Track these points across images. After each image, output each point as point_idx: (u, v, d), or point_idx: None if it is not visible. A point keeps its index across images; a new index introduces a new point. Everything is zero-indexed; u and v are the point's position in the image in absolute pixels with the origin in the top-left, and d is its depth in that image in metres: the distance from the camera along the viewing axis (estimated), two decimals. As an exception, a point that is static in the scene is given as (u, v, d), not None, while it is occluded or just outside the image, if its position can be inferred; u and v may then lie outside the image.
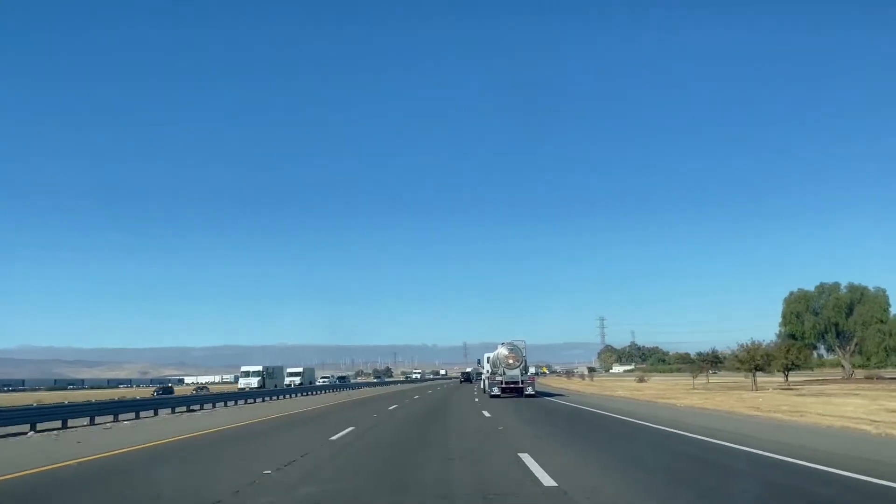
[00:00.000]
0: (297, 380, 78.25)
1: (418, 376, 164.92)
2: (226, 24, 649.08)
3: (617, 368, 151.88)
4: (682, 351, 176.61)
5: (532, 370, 46.96)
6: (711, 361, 55.70)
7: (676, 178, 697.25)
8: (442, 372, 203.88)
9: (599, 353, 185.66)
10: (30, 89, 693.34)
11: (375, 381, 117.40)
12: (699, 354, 56.78)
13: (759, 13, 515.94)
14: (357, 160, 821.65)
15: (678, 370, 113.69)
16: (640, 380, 74.50)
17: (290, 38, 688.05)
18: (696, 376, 56.77)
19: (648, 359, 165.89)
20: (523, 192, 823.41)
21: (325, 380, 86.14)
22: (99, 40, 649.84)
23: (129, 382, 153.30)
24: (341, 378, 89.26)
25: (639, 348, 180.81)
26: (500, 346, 37.44)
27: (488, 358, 40.63)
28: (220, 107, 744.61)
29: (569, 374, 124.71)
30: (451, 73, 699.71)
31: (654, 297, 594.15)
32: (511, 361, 36.31)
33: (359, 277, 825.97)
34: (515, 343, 37.39)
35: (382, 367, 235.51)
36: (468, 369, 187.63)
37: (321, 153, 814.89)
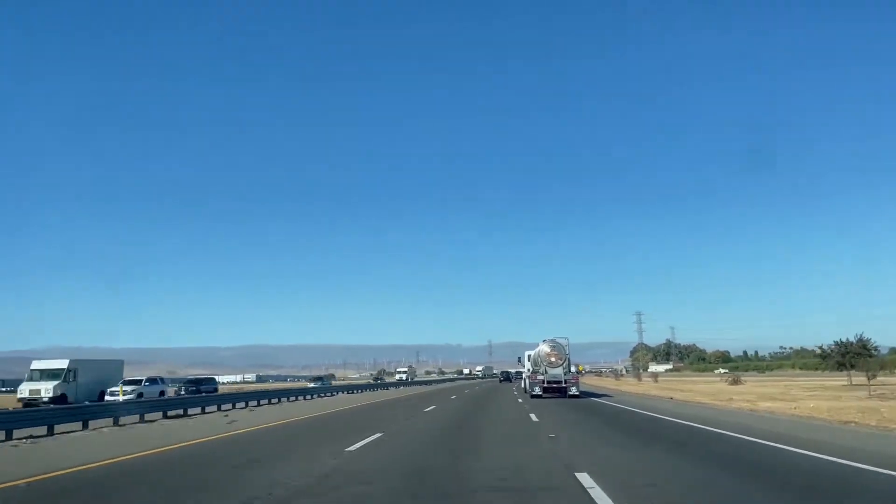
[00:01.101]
0: (49, 389, 35.00)
1: (404, 376, 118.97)
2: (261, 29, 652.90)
3: (654, 367, 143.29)
4: (721, 349, 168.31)
5: (572, 369, 42.91)
6: (857, 354, 39.68)
7: (687, 178, 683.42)
8: (466, 371, 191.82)
9: (632, 352, 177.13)
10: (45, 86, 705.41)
11: (316, 385, 58.11)
12: (838, 344, 40.39)
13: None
14: (383, 162, 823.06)
15: (742, 368, 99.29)
16: (735, 381, 54.23)
17: (320, 43, 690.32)
18: (874, 377, 37.99)
19: (686, 357, 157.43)
20: (545, 193, 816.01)
21: (129, 391, 35.57)
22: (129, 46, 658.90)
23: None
24: (192, 384, 46.74)
25: (675, 346, 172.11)
26: (541, 344, 35.56)
27: (529, 356, 39.10)
28: (252, 108, 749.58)
29: (616, 373, 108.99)
30: (492, 73, 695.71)
31: (678, 295, 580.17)
32: (553, 360, 34.52)
33: (383, 277, 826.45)
34: (558, 340, 35.27)
35: (405, 367, 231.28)
36: (478, 368, 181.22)
37: (346, 155, 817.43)
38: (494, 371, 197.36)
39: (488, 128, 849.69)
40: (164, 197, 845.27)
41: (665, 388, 51.54)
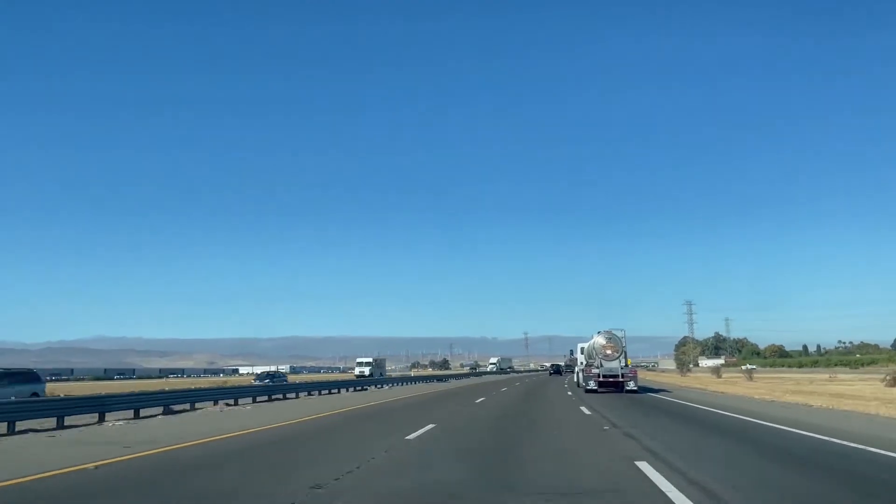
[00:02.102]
0: None
1: (366, 371, 73.92)
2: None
3: (704, 362, 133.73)
4: (776, 343, 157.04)
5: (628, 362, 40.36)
6: None
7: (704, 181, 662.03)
8: (493, 361, 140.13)
9: (678, 345, 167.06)
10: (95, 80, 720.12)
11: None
12: None
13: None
14: (418, 157, 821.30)
15: (813, 364, 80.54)
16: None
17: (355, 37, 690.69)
18: None
19: (738, 352, 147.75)
20: (581, 187, 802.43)
21: None
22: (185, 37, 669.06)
23: (181, 372, 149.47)
24: None
25: (723, 339, 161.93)
26: (595, 336, 34.03)
27: (582, 349, 38.04)
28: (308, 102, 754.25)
29: (682, 367, 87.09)
30: (526, 62, 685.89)
31: (722, 290, 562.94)
32: (609, 352, 32.67)
33: (420, 270, 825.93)
34: (614, 332, 33.46)
35: (439, 360, 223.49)
36: (492, 359, 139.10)
37: (380, 150, 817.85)
38: (514, 364, 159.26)
39: (514, 120, 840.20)
40: (208, 191, 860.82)
41: (789, 390, 34.98)
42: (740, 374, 64.34)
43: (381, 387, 49.04)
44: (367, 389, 43.40)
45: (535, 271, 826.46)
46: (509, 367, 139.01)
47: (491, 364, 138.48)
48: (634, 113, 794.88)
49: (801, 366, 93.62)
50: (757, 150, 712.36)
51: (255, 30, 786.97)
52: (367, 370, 76.35)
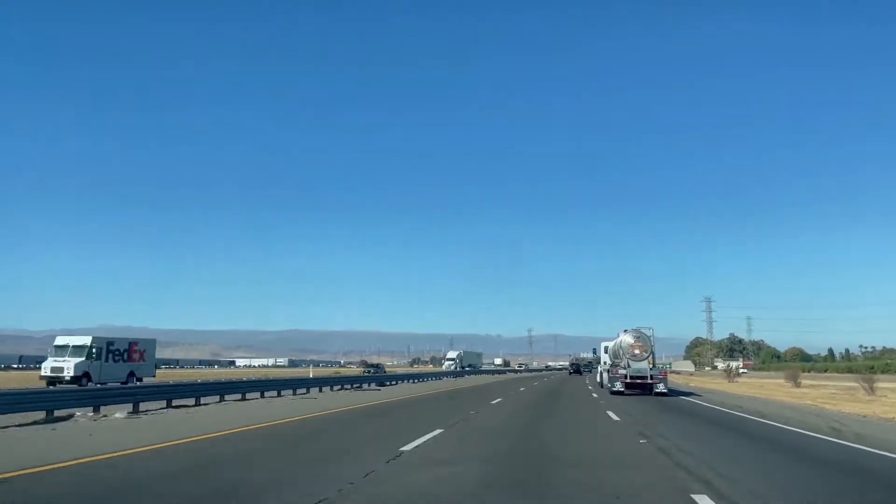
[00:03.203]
0: (71, 368, 33.51)
1: (74, 363, 34.22)
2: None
3: (721, 365, 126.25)
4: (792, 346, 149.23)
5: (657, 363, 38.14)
6: None
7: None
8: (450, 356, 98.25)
9: (689, 347, 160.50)
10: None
11: None
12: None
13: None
14: (425, 152, 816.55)
15: (869, 369, 69.18)
16: None
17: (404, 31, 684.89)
18: None
19: (755, 355, 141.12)
20: (588, 187, 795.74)
21: None
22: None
23: (175, 363, 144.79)
24: None
25: (739, 341, 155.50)
26: (622, 334, 32.88)
27: (606, 348, 37.87)
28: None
29: (730, 371, 63.43)
30: (541, 60, 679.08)
31: (733, 290, 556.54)
32: (637, 352, 31.11)
33: (426, 266, 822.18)
34: (642, 330, 32.16)
35: (441, 356, 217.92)
36: (450, 354, 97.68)
37: (388, 147, 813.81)
38: (498, 361, 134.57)
39: (518, 116, 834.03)
40: (212, 185, 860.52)
41: None
42: (850, 385, 40.90)
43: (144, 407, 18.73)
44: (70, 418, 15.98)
45: (540, 270, 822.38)
46: (470, 366, 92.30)
47: (448, 360, 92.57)
48: (644, 109, 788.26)
49: (850, 370, 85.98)
50: (753, 149, 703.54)
51: (277, 25, 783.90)
52: (70, 367, 34.53)
